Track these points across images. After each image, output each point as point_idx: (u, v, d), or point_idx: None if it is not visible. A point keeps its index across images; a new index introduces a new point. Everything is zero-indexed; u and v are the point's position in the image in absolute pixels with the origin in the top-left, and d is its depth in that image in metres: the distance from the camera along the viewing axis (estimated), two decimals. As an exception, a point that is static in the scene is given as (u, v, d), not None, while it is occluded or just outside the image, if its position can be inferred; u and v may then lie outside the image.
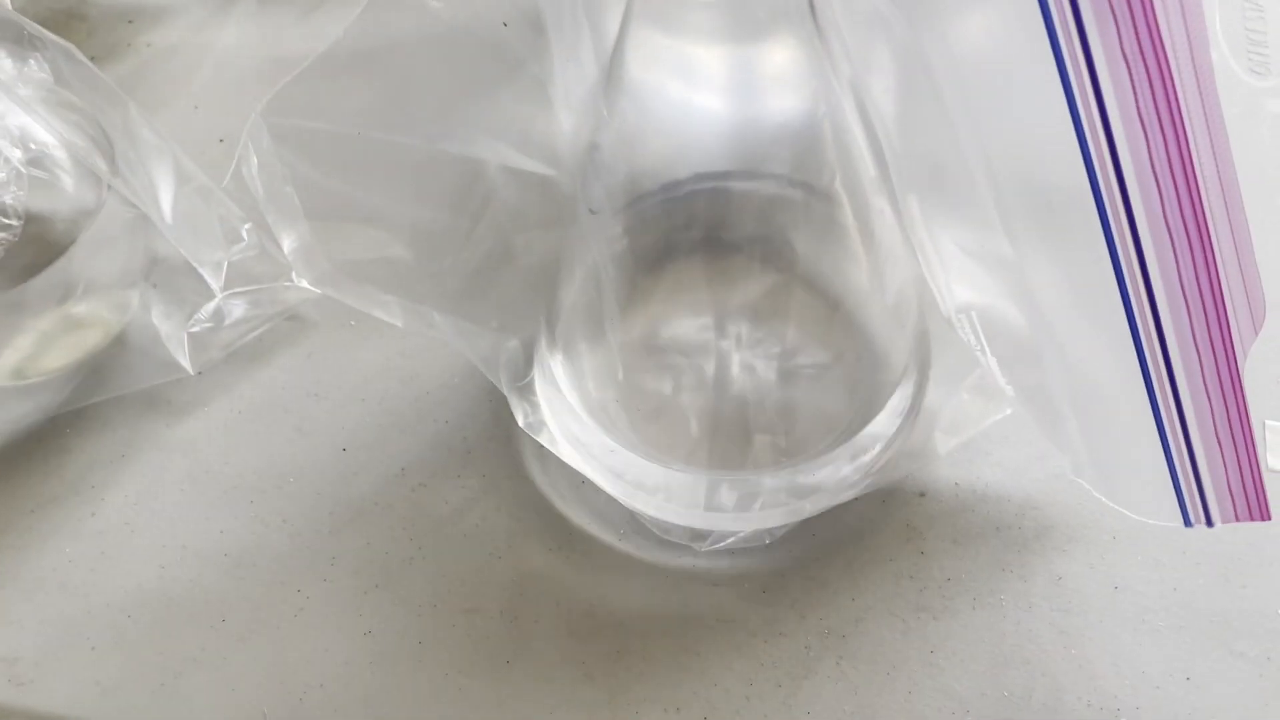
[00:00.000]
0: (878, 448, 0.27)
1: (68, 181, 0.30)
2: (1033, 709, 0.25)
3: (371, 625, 0.27)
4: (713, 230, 0.29)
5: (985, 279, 0.24)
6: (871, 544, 0.27)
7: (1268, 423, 0.29)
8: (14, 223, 0.28)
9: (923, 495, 0.28)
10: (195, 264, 0.31)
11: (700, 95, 0.25)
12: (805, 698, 0.25)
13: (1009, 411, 0.27)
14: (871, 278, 0.27)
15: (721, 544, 0.27)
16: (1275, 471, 0.28)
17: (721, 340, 0.29)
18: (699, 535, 0.27)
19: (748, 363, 0.28)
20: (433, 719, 0.25)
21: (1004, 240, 0.22)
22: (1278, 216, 0.33)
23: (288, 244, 0.27)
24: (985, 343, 0.25)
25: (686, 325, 0.29)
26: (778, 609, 0.26)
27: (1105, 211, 0.20)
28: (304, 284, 0.32)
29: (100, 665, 0.26)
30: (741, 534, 0.27)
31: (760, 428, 0.28)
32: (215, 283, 0.31)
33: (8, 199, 0.28)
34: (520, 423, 0.27)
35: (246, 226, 0.32)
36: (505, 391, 0.27)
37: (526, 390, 0.28)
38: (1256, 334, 0.21)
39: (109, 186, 0.30)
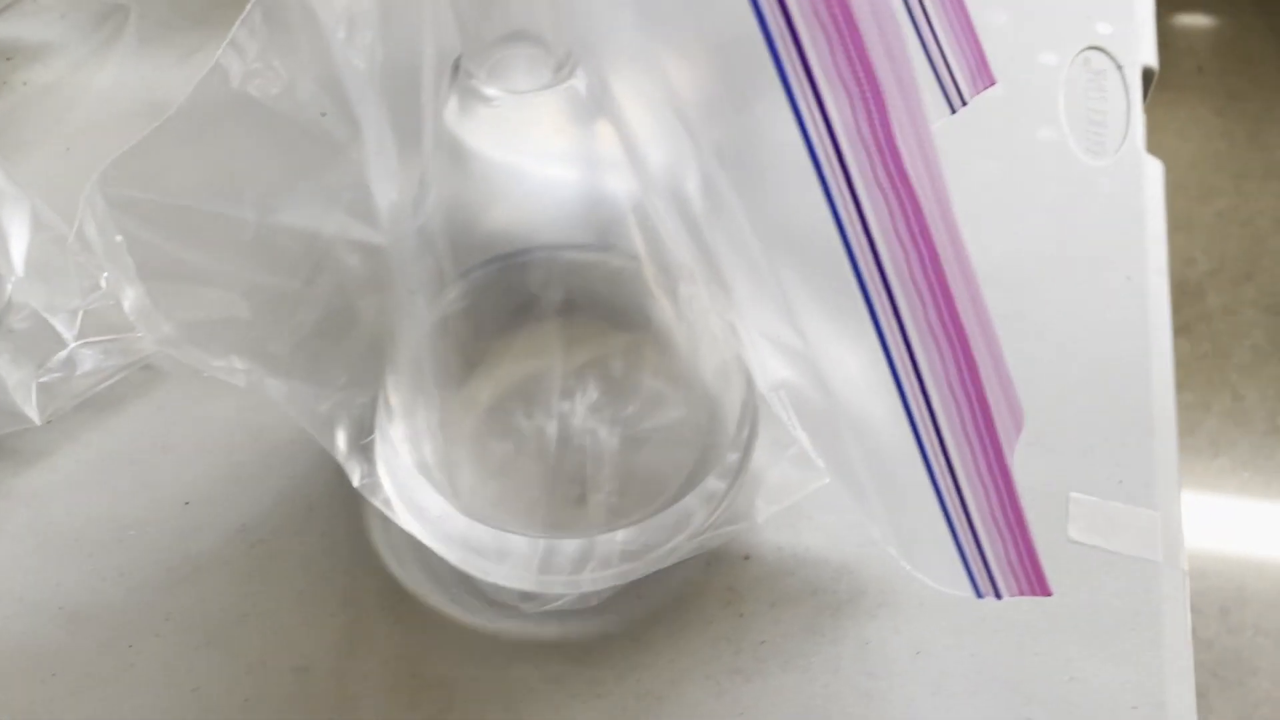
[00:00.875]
0: (705, 512, 0.28)
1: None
2: (830, 771, 0.26)
3: (200, 682, 0.27)
4: (551, 296, 0.30)
5: (787, 362, 0.25)
6: (694, 606, 0.28)
7: (1072, 495, 0.30)
8: None
9: (746, 558, 0.29)
10: (46, 313, 0.32)
11: (539, 169, 0.26)
12: (617, 758, 0.26)
13: (826, 481, 0.29)
14: (693, 353, 0.28)
15: (549, 606, 0.28)
16: (1077, 542, 0.30)
17: (561, 403, 0.30)
18: (529, 597, 0.28)
19: (586, 426, 0.29)
20: (254, 777, 0.26)
21: (793, 329, 0.23)
22: (1108, 291, 0.35)
23: (127, 304, 0.27)
24: (795, 419, 0.27)
25: (525, 389, 0.30)
26: (599, 670, 0.27)
27: (875, 311, 0.21)
28: (157, 336, 0.33)
29: (-77, 721, 0.26)
30: (569, 596, 0.28)
31: (595, 490, 0.29)
32: (68, 332, 0.32)
33: None
34: (355, 483, 0.28)
35: (105, 275, 0.32)
36: (336, 454, 0.28)
37: (368, 450, 0.29)
38: (1018, 434, 0.23)
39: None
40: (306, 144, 0.23)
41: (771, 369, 0.26)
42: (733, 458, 0.29)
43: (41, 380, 0.31)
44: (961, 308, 0.21)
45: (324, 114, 0.23)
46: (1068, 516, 0.30)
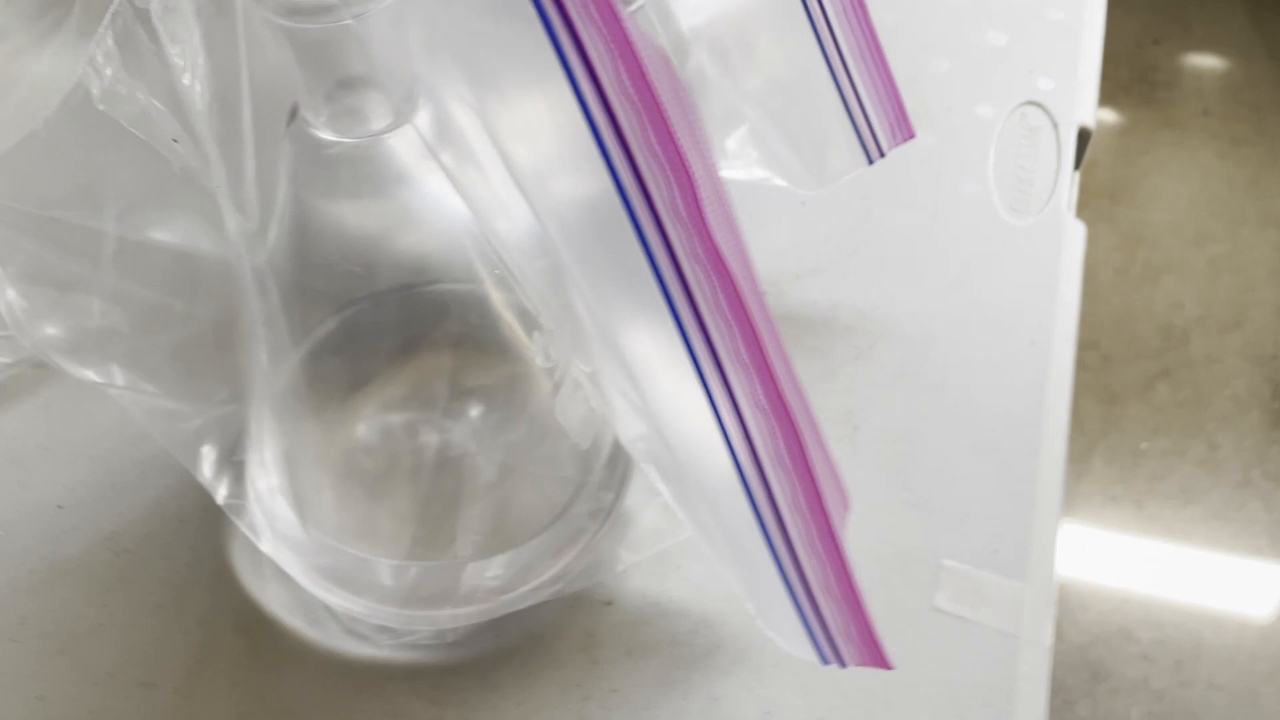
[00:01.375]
0: (574, 552, 0.28)
1: None
2: (660, 828, 0.26)
3: (47, 690, 0.27)
4: (433, 328, 0.30)
5: (639, 419, 0.25)
6: (549, 649, 0.28)
7: (945, 562, 0.30)
8: None
9: (609, 604, 0.29)
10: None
11: (395, 206, 0.26)
12: (450, 799, 0.26)
13: (690, 534, 0.29)
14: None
15: (404, 639, 0.28)
16: (942, 611, 0.29)
17: (435, 432, 0.30)
18: (385, 629, 0.28)
19: (462, 454, 0.29)
20: (85, 791, 0.26)
21: (635, 389, 0.23)
22: (1010, 354, 0.34)
23: (2, 306, 0.27)
24: (655, 472, 0.26)
25: (400, 419, 0.30)
26: (444, 709, 0.27)
27: (707, 384, 0.21)
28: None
29: None
30: (425, 631, 0.28)
31: (465, 522, 0.29)
32: (-40, 327, 0.32)
33: None
34: (219, 501, 0.28)
35: (7, 270, 0.32)
36: (198, 473, 0.28)
37: (240, 469, 0.29)
38: (846, 513, 0.22)
39: None
40: (163, 166, 0.23)
41: (630, 422, 0.26)
42: (606, 497, 0.29)
43: (-70, 373, 0.31)
44: (784, 385, 0.21)
45: (175, 140, 0.22)
46: (937, 583, 0.30)
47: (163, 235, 0.25)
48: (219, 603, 0.29)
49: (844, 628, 0.25)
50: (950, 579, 0.30)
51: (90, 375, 0.27)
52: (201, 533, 0.30)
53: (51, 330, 0.27)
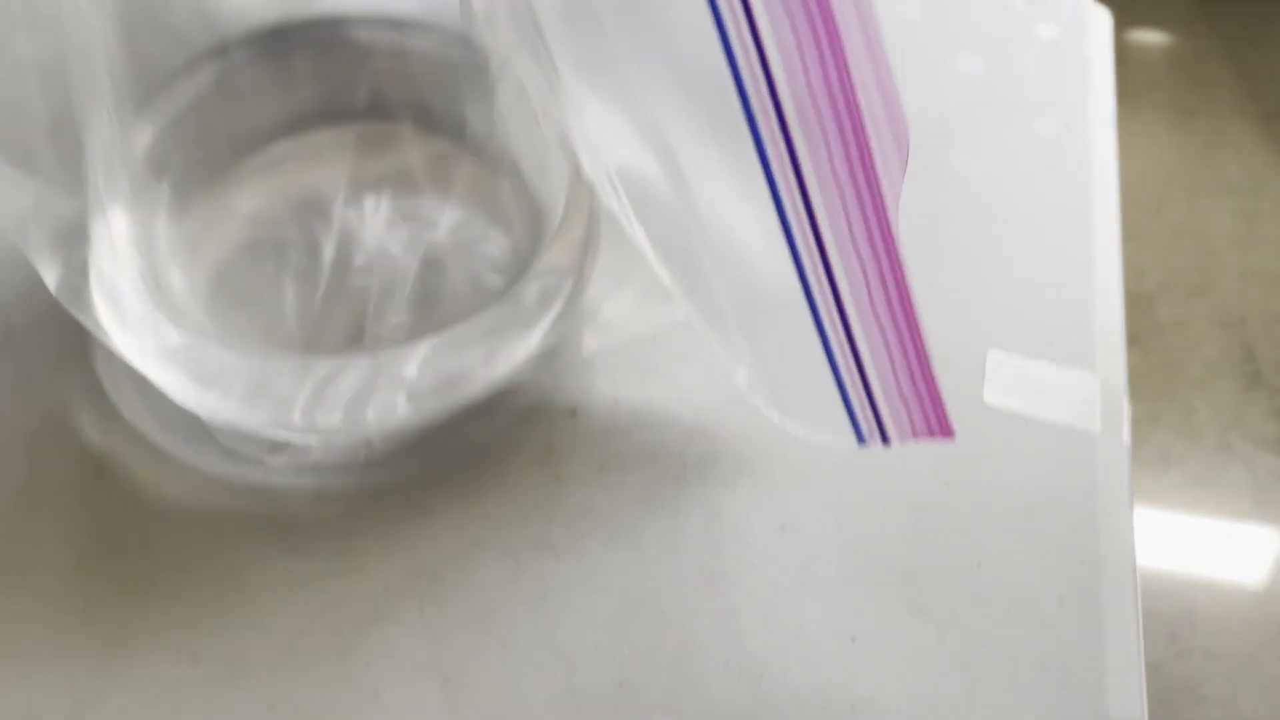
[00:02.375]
0: (518, 338, 0.22)
1: None
2: (656, 669, 0.19)
3: None
4: (343, 85, 0.24)
5: (634, 148, 0.19)
6: (498, 466, 0.22)
7: (990, 353, 0.24)
8: None
9: (573, 413, 0.23)
10: None
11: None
12: (368, 648, 0.19)
13: (678, 317, 0.22)
14: (519, 163, 0.22)
15: (304, 457, 0.21)
16: (993, 408, 0.23)
17: (346, 213, 0.23)
18: (276, 447, 0.21)
19: (376, 243, 0.23)
20: None
21: (649, 122, 0.17)
22: (1038, 142, 0.29)
23: None
24: (633, 213, 0.20)
25: (301, 197, 0.24)
26: (359, 540, 0.21)
27: (750, 107, 0.16)
28: None
29: None
30: (332, 445, 0.22)
31: (380, 316, 0.22)
32: None
33: None
34: (51, 288, 0.21)
35: None
36: (30, 252, 0.21)
37: (83, 266, 0.22)
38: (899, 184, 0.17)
39: None
40: None
41: (608, 151, 0.20)
42: (560, 283, 0.23)
43: None
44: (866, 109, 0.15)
45: None
46: (983, 378, 0.24)
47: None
48: (54, 428, 0.22)
49: (896, 391, 0.19)
50: (1000, 372, 0.24)
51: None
52: (36, 347, 0.23)
53: None
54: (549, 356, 0.22)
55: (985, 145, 0.28)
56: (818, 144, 0.16)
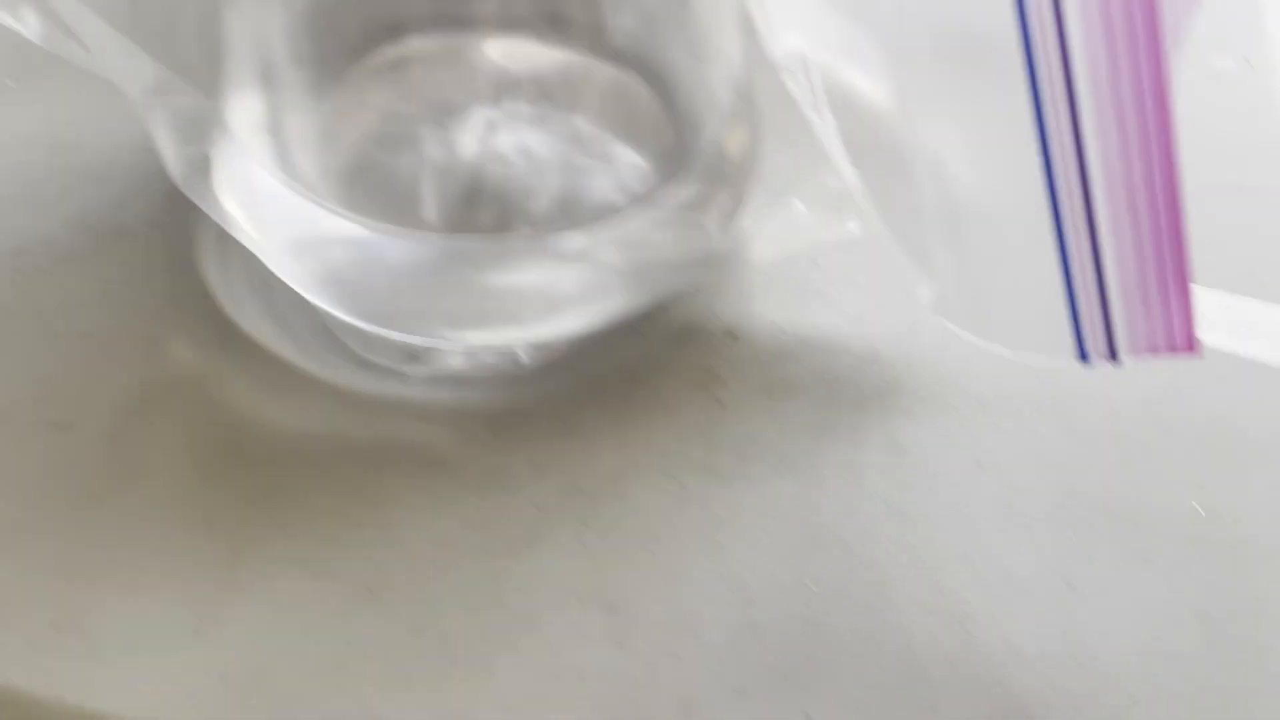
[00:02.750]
0: (682, 233, 0.20)
1: None
2: (845, 607, 0.17)
3: (-96, 432, 0.18)
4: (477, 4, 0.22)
5: (838, 30, 0.17)
6: (653, 387, 0.20)
7: (1191, 289, 0.22)
8: None
9: (732, 336, 0.21)
10: None
11: None
12: (522, 572, 0.17)
13: (854, 230, 0.20)
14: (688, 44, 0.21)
15: (445, 369, 0.19)
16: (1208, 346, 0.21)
17: (488, 110, 0.21)
18: (413, 355, 0.19)
19: (515, 141, 0.21)
20: (-48, 562, 0.17)
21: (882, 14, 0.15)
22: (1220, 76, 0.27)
23: None
24: (824, 102, 0.18)
25: (436, 97, 0.22)
26: (508, 458, 0.18)
27: None
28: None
29: None
30: (475, 356, 0.20)
31: (524, 207, 0.20)
32: None
33: None
34: (176, 177, 0.19)
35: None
36: (159, 139, 0.19)
37: (205, 162, 0.20)
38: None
39: None
40: None
41: (793, 34, 0.18)
42: (723, 190, 0.20)
43: None
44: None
45: None
46: (1185, 314, 0.21)
47: None
48: (170, 331, 0.20)
49: (1138, 295, 0.17)
50: (1205, 308, 0.21)
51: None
52: (149, 249, 0.21)
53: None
54: (712, 266, 0.20)
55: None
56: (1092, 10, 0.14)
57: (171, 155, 0.19)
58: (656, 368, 0.20)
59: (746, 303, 0.21)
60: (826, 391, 0.20)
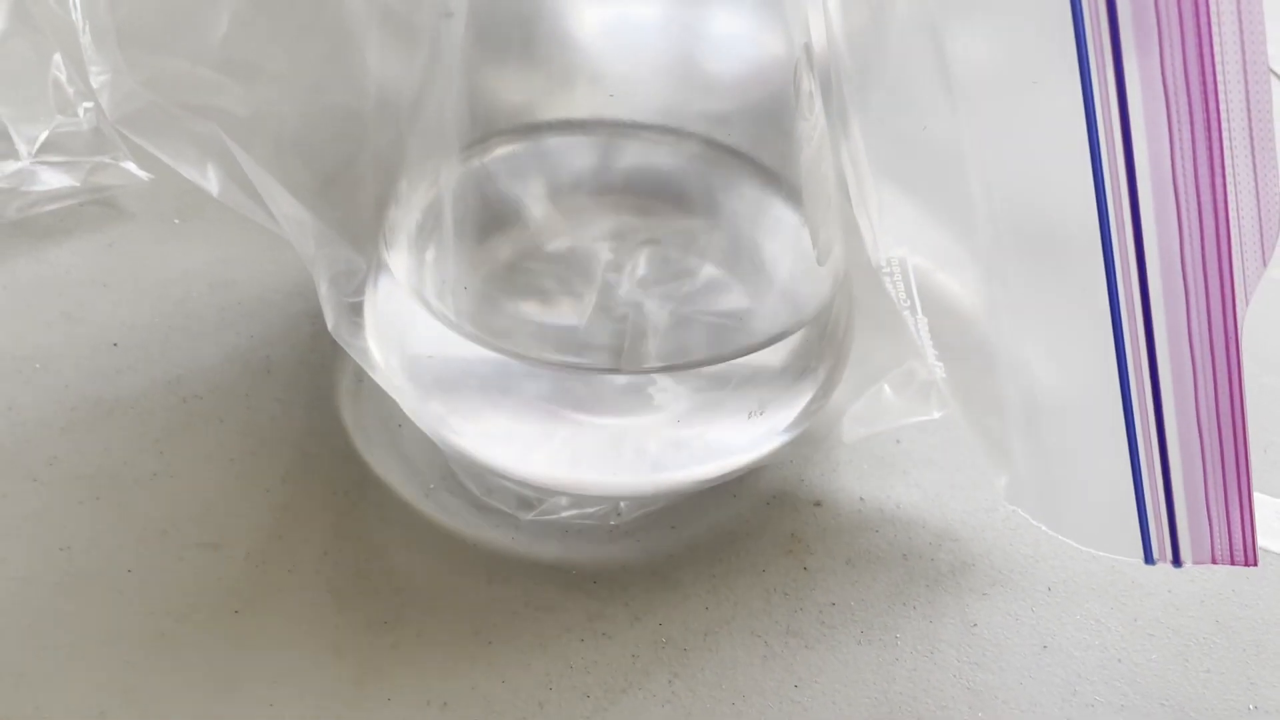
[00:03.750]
0: (780, 414, 0.21)
1: None
2: (919, 776, 0.18)
3: (73, 541, 0.20)
4: (607, 171, 0.25)
5: (933, 242, 0.19)
6: (743, 549, 0.21)
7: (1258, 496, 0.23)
8: None
9: (818, 504, 0.22)
10: (8, 122, 0.26)
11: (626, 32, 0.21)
12: (617, 714, 0.19)
13: (936, 415, 0.22)
14: (790, 230, 0.23)
15: (554, 515, 0.21)
16: (1262, 549, 0.22)
17: (608, 273, 0.24)
18: (526, 502, 0.21)
19: (631, 298, 0.23)
20: (111, 663, 0.18)
21: (974, 227, 0.18)
22: None
23: (95, 73, 0.22)
24: (918, 303, 0.20)
25: (562, 256, 0.24)
26: (607, 605, 0.20)
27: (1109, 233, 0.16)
28: (129, 167, 0.27)
29: None
30: (582, 508, 0.21)
31: (633, 360, 0.22)
32: (24, 146, 0.26)
33: None
34: (330, 325, 0.21)
35: (86, 105, 0.27)
36: (319, 285, 0.21)
37: (355, 311, 0.22)
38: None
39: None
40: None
41: (893, 241, 0.20)
42: (819, 360, 0.22)
43: (-19, 189, 0.26)
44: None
45: None
46: (1243, 516, 0.23)
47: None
48: (310, 463, 0.22)
49: (1201, 508, 0.18)
50: (1265, 514, 0.23)
51: (181, 161, 0.22)
52: (293, 385, 0.23)
53: (148, 102, 0.22)
54: (801, 441, 0.22)
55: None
56: (1170, 234, 0.16)
57: (328, 302, 0.21)
58: (746, 529, 0.22)
59: (832, 474, 0.23)
60: (905, 564, 0.21)
